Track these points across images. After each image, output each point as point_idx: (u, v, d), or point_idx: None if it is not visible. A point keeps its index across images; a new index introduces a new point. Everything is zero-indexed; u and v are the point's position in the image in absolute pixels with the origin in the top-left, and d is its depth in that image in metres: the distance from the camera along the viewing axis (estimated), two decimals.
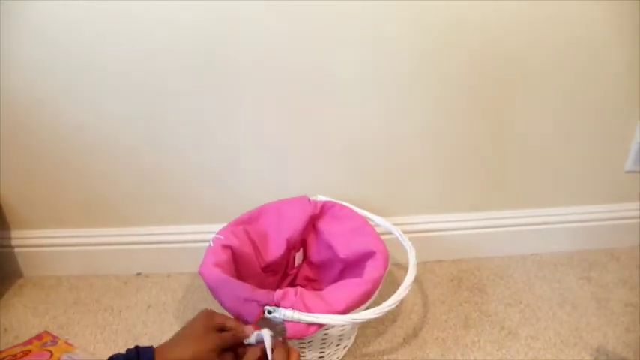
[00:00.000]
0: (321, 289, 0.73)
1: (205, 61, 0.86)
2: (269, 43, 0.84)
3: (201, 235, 1.02)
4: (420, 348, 0.86)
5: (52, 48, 0.85)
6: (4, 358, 0.71)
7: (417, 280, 0.99)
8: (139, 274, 1.07)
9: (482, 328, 0.89)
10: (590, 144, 0.98)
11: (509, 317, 0.91)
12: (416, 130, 0.94)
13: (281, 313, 0.65)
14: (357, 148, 0.95)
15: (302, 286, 0.77)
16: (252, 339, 0.63)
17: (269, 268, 0.88)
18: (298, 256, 0.92)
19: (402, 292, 0.70)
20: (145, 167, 0.97)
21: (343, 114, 0.91)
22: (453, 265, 1.04)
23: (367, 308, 0.70)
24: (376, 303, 0.70)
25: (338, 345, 0.79)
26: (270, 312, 0.65)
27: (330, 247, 0.87)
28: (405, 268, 0.76)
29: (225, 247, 0.79)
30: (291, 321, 0.65)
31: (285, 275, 0.92)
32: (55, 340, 0.87)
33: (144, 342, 0.89)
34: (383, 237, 0.83)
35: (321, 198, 0.91)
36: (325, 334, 0.73)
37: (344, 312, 0.67)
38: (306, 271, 0.94)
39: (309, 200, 0.90)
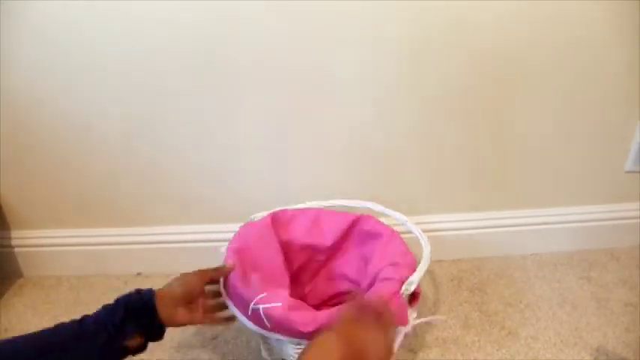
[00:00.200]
0: None
1: (205, 61, 0.86)
2: (269, 43, 0.84)
3: (202, 235, 1.03)
4: (420, 348, 0.85)
5: (52, 48, 0.85)
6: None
7: None
8: (139, 274, 1.07)
9: (482, 328, 0.89)
10: (590, 144, 0.98)
11: (509, 317, 0.91)
12: (415, 131, 0.94)
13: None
14: (357, 148, 0.95)
15: None
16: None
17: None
18: None
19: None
20: (145, 167, 0.97)
21: (343, 114, 0.91)
22: (453, 265, 1.04)
23: None
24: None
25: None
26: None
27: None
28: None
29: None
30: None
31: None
32: None
33: None
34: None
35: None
36: None
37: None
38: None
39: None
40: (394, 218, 0.85)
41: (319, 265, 0.89)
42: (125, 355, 0.62)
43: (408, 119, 0.92)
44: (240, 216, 0.94)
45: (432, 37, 0.85)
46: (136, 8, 0.81)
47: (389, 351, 0.52)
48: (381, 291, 0.70)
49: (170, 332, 0.90)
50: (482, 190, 1.02)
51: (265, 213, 0.86)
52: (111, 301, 0.66)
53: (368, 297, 0.58)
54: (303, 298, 0.87)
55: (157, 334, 0.66)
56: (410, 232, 0.81)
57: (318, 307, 0.88)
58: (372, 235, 0.85)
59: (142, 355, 0.86)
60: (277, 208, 0.87)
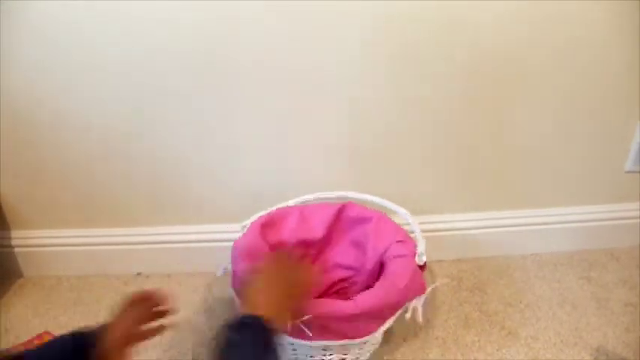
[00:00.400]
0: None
1: (205, 61, 0.86)
2: (269, 43, 0.84)
3: (202, 235, 1.03)
4: (420, 348, 0.86)
5: (52, 48, 0.85)
6: (4, 358, 0.71)
7: None
8: (139, 274, 1.07)
9: (482, 328, 0.89)
10: (590, 144, 0.98)
11: (509, 317, 0.91)
12: (415, 131, 0.94)
13: None
14: (357, 148, 0.95)
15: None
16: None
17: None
18: None
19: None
20: (145, 167, 0.97)
21: (343, 114, 0.91)
22: (453, 265, 1.04)
23: None
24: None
25: (361, 349, 0.78)
26: None
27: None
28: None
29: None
30: None
31: None
32: None
33: (144, 342, 0.89)
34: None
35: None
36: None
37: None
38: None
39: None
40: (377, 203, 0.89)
41: (312, 260, 0.90)
42: None
43: (407, 119, 0.92)
44: (241, 216, 0.94)
45: (432, 37, 0.85)
46: (136, 8, 0.81)
47: (309, 282, 0.67)
48: (401, 267, 0.76)
49: (169, 332, 0.90)
50: (483, 190, 1.02)
51: (254, 217, 0.87)
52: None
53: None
54: None
55: None
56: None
57: (317, 298, 0.88)
58: (360, 220, 0.88)
59: (141, 356, 0.86)
60: (262, 212, 0.88)
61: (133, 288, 1.03)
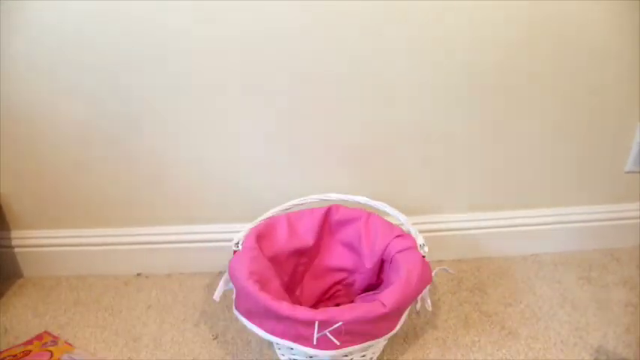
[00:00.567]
0: None
1: (205, 61, 0.86)
2: (269, 44, 0.84)
3: (202, 235, 1.03)
4: (420, 348, 0.86)
5: (52, 48, 0.85)
6: (4, 358, 0.71)
7: None
8: (139, 274, 1.07)
9: (482, 328, 0.89)
10: (590, 144, 0.98)
11: (509, 317, 0.91)
12: (415, 130, 0.94)
13: None
14: (357, 148, 0.95)
15: None
16: None
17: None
18: None
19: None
20: (144, 167, 0.97)
21: (343, 115, 0.91)
22: (453, 265, 1.04)
23: None
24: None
25: (363, 355, 0.78)
26: None
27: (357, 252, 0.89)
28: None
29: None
30: None
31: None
32: (55, 340, 0.87)
33: (144, 342, 0.89)
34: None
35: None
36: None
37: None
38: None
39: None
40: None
41: (304, 268, 0.90)
42: None
43: (407, 120, 0.92)
44: (241, 216, 0.94)
45: (432, 37, 0.85)
46: (136, 8, 0.81)
47: None
48: (410, 260, 0.77)
49: (170, 332, 0.90)
50: (483, 190, 1.02)
51: (243, 233, 0.83)
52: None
53: None
54: (298, 303, 0.87)
55: None
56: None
57: (313, 306, 0.88)
58: (348, 221, 0.89)
59: (140, 355, 0.86)
60: (260, 218, 0.87)
61: (133, 288, 1.03)
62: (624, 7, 0.84)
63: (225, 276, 0.78)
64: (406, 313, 0.75)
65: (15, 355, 0.80)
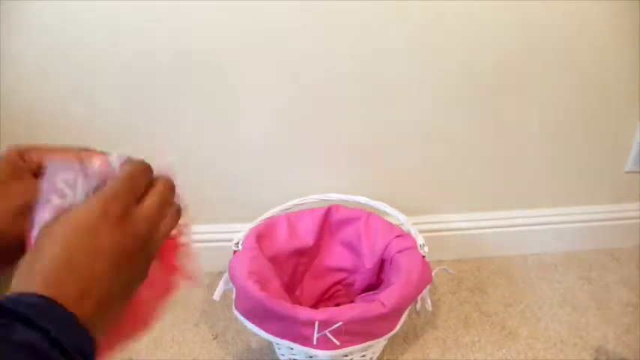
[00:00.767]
0: None
1: (204, 61, 0.86)
2: (269, 44, 0.84)
3: (202, 235, 1.03)
4: (420, 348, 0.86)
5: (52, 48, 0.85)
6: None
7: None
8: None
9: (482, 328, 0.89)
10: (590, 144, 0.98)
11: (509, 317, 0.91)
12: (415, 130, 0.94)
13: None
14: (357, 148, 0.95)
15: None
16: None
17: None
18: None
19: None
20: None
21: (343, 115, 0.91)
22: (453, 265, 1.04)
23: None
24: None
25: (363, 355, 0.78)
26: None
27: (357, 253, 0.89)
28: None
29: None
30: None
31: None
32: None
33: (144, 342, 0.89)
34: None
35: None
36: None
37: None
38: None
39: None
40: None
41: (304, 269, 0.90)
42: None
43: (407, 120, 0.92)
44: (241, 216, 0.94)
45: (432, 37, 0.85)
46: (136, 9, 0.81)
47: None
48: (411, 260, 0.77)
49: (170, 332, 0.90)
50: (483, 190, 1.02)
51: (247, 229, 0.84)
52: None
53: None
54: (298, 303, 0.87)
55: None
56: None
57: (313, 306, 0.88)
58: (348, 221, 0.89)
59: (141, 355, 0.86)
60: (260, 218, 0.86)
61: None
62: (624, 7, 0.84)
63: (225, 276, 0.78)
64: (406, 313, 0.75)
65: None
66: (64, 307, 0.25)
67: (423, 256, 0.78)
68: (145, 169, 0.33)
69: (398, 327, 0.73)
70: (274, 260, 0.82)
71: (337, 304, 0.89)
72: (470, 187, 1.01)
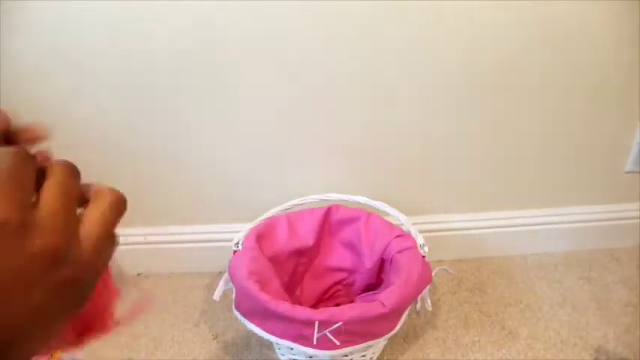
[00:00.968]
0: None
1: (205, 60, 0.86)
2: (269, 43, 0.84)
3: (202, 235, 1.03)
4: (420, 348, 0.86)
5: (52, 48, 0.85)
6: None
7: None
8: (139, 274, 1.07)
9: (482, 328, 0.89)
10: (590, 144, 0.98)
11: (509, 317, 0.91)
12: (415, 130, 0.94)
13: None
14: (357, 148, 0.95)
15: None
16: None
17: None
18: None
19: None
20: (144, 167, 0.97)
21: (343, 115, 0.91)
22: (453, 265, 1.04)
23: None
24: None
25: (363, 355, 0.79)
26: None
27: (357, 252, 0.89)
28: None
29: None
30: None
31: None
32: None
33: (144, 342, 0.89)
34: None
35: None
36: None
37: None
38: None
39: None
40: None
41: (304, 268, 0.90)
42: None
43: (407, 120, 0.92)
44: (241, 216, 0.94)
45: (432, 37, 0.85)
46: (136, 9, 0.81)
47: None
48: (411, 260, 0.77)
49: (170, 332, 0.90)
50: (483, 190, 1.02)
51: (247, 229, 0.84)
52: None
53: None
54: (298, 303, 0.87)
55: None
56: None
57: (313, 306, 0.88)
58: (348, 221, 0.89)
59: (140, 355, 0.86)
60: (260, 218, 0.86)
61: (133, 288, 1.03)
62: (624, 7, 0.84)
63: (225, 276, 0.78)
64: (406, 313, 0.75)
65: None
66: None
67: (423, 256, 0.78)
68: (24, 154, 0.23)
69: (398, 327, 0.73)
70: (274, 260, 0.82)
71: (337, 304, 0.89)
72: (470, 187, 1.01)
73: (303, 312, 0.67)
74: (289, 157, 0.96)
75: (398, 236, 0.83)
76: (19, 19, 0.82)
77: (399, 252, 0.80)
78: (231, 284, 0.76)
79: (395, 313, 0.71)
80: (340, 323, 0.65)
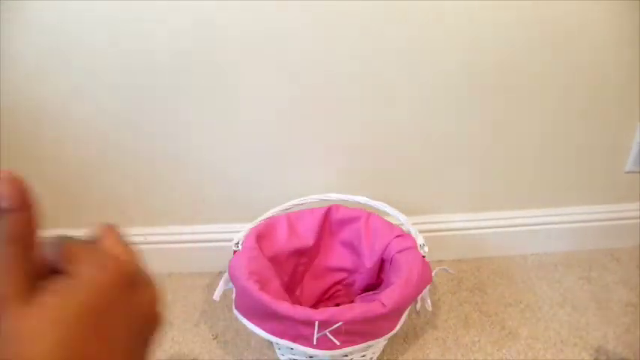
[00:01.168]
0: None
1: (205, 60, 0.86)
2: (269, 43, 0.84)
3: (202, 235, 1.03)
4: (420, 348, 0.86)
5: (52, 48, 0.85)
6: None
7: None
8: None
9: (482, 328, 0.89)
10: (590, 144, 0.98)
11: (509, 317, 0.91)
12: (415, 130, 0.94)
13: None
14: (357, 148, 0.95)
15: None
16: None
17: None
18: None
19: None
20: (144, 168, 0.97)
21: (343, 115, 0.91)
22: (453, 265, 1.04)
23: None
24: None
25: (363, 355, 0.78)
26: None
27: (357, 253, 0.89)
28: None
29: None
30: None
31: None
32: None
33: None
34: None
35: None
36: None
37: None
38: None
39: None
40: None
41: (304, 268, 0.90)
42: None
43: (407, 120, 0.92)
44: (241, 216, 0.94)
45: (432, 37, 0.85)
46: (136, 9, 0.81)
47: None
48: (411, 260, 0.77)
49: (170, 332, 0.90)
50: (483, 190, 1.02)
51: (247, 229, 0.84)
52: None
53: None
54: (298, 303, 0.87)
55: None
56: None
57: (313, 306, 0.88)
58: (348, 221, 0.89)
59: None
60: (260, 218, 0.86)
61: None
62: (624, 7, 0.84)
63: (225, 276, 0.78)
64: (406, 313, 0.75)
65: None
66: None
67: (423, 256, 0.78)
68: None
69: (398, 327, 0.73)
70: (274, 260, 0.82)
71: (337, 304, 0.89)
72: (470, 187, 1.01)
73: (303, 312, 0.67)
74: (289, 157, 0.96)
75: (398, 236, 0.83)
76: (19, 19, 0.82)
77: (399, 252, 0.80)
78: (231, 284, 0.76)
79: (395, 313, 0.71)
80: (340, 323, 0.65)
